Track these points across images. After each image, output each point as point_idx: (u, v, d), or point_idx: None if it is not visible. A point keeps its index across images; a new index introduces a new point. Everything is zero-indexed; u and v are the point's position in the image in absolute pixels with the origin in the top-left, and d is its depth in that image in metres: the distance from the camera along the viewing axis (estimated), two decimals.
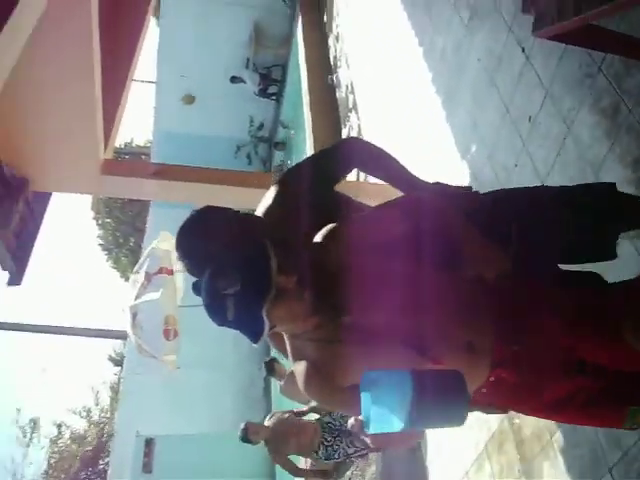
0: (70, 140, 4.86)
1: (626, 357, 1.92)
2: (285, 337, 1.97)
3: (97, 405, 26.37)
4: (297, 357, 1.95)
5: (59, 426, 25.90)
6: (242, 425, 5.75)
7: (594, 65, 3.35)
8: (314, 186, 2.19)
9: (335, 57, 9.91)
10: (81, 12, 3.94)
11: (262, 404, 12.28)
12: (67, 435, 25.96)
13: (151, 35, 14.10)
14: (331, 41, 10.30)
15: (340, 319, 1.85)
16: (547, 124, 3.79)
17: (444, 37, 5.47)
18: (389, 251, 1.92)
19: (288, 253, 1.81)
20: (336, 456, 5.67)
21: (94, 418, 26.08)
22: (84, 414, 25.89)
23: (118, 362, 25.25)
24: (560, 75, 3.69)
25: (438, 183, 2.27)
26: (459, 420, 1.53)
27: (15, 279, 4.81)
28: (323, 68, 10.09)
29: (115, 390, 24.12)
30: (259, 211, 2.25)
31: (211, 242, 2.07)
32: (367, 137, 7.59)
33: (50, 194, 5.25)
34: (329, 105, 9.46)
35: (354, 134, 8.21)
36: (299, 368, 1.94)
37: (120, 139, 23.12)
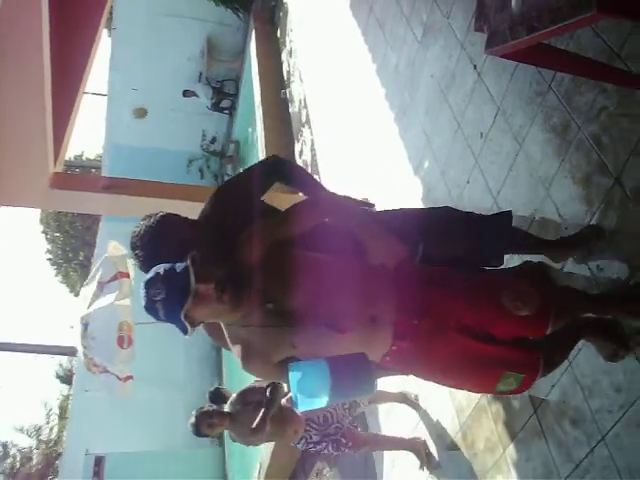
0: (19, 153, 4.78)
1: (505, 323, 2.33)
2: (222, 326, 2.32)
3: (47, 423, 25.81)
4: (234, 341, 2.30)
5: (4, 445, 25.28)
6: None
7: (544, 83, 3.40)
8: (245, 196, 2.63)
9: (288, 72, 9.92)
10: (32, 24, 3.88)
11: None
12: (14, 454, 25.35)
13: (103, 47, 13.98)
14: (284, 56, 10.31)
15: (265, 306, 2.21)
16: (499, 140, 3.84)
17: (398, 53, 5.51)
18: (303, 244, 2.33)
19: (210, 261, 2.20)
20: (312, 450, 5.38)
21: (43, 437, 25.51)
22: (32, 433, 25.30)
23: (66, 379, 24.80)
24: (511, 92, 3.74)
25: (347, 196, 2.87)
26: (369, 391, 2.07)
27: None
28: (276, 82, 10.09)
29: (64, 408, 23.66)
30: (201, 214, 2.70)
31: (162, 245, 2.46)
32: (320, 152, 7.61)
33: None
34: (282, 119, 9.46)
35: (307, 149, 8.22)
36: (236, 350, 2.30)
37: (70, 152, 22.82)
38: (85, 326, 6.99)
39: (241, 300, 2.18)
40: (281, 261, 2.26)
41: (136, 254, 2.52)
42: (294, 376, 2.03)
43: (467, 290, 2.39)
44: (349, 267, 2.36)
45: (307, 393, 2.01)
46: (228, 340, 2.33)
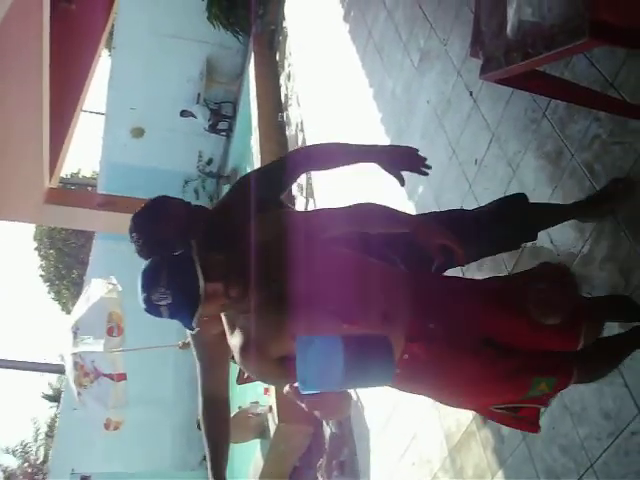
0: (15, 167, 4.77)
1: (530, 331, 2.15)
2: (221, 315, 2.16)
3: (33, 441, 25.55)
4: (232, 329, 2.12)
5: None
6: None
7: (539, 110, 3.44)
8: (263, 192, 2.43)
9: (286, 95, 9.97)
10: (32, 41, 3.91)
11: (202, 444, 12.03)
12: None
13: (103, 66, 14.06)
14: (282, 79, 10.38)
15: (270, 291, 2.02)
16: (493, 167, 3.87)
17: (394, 78, 5.56)
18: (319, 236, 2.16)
19: (212, 248, 2.01)
20: None
21: (29, 455, 25.26)
22: (19, 452, 25.05)
23: (54, 398, 24.61)
24: (506, 119, 3.77)
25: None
26: (386, 378, 1.71)
27: None
28: (274, 106, 10.14)
29: (51, 426, 23.47)
30: (215, 206, 2.65)
31: (163, 225, 2.35)
32: (315, 175, 7.63)
33: None
34: (278, 142, 9.49)
35: None
36: (235, 340, 2.10)
37: (67, 169, 22.85)
38: (75, 333, 6.94)
39: (248, 289, 2.00)
40: (289, 239, 2.09)
41: (133, 237, 2.38)
42: (301, 351, 1.72)
43: (488, 296, 2.24)
44: (365, 258, 2.21)
45: (316, 372, 1.69)
46: (226, 329, 2.16)
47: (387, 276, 2.20)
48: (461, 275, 2.84)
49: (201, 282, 1.90)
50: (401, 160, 2.57)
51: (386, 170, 2.60)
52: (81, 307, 7.01)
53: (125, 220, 5.37)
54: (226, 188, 14.08)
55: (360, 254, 2.21)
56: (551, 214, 2.99)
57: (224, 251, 2.04)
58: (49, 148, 4.79)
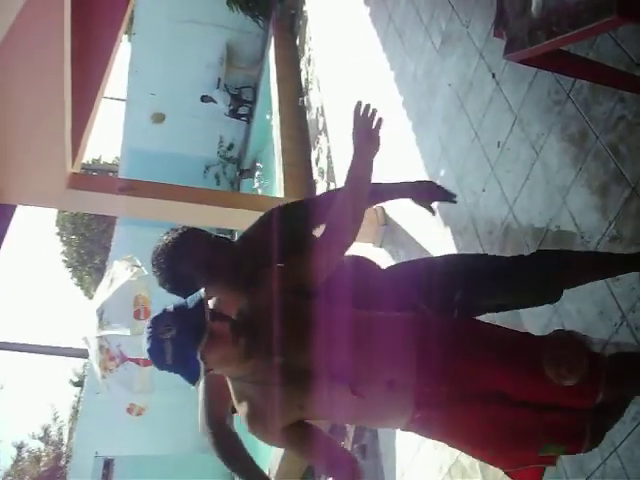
0: (37, 152, 4.80)
1: (544, 393, 2.07)
2: (227, 380, 2.13)
3: (56, 425, 25.87)
4: (239, 399, 2.11)
5: (19, 447, 25.35)
6: None
7: (563, 92, 3.39)
8: (286, 232, 2.37)
9: (306, 80, 9.95)
10: (54, 26, 3.91)
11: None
12: (25, 456, 25.44)
13: (123, 52, 14.07)
14: (303, 64, 10.35)
15: (274, 360, 2.01)
16: (516, 149, 3.83)
17: (416, 62, 5.52)
18: (325, 294, 2.12)
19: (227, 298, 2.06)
20: None
21: (52, 438, 25.59)
22: (42, 434, 25.38)
23: (79, 384, 24.85)
24: (529, 101, 3.73)
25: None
26: None
27: None
28: (294, 90, 10.13)
29: (75, 409, 23.72)
30: (243, 235, 2.51)
31: (183, 262, 2.25)
32: (336, 159, 7.61)
33: (14, 207, 5.17)
34: (299, 127, 9.48)
35: (323, 156, 8.23)
36: (242, 410, 2.10)
37: (88, 156, 22.96)
38: (100, 316, 6.93)
39: (255, 347, 2.00)
40: (299, 312, 2.08)
41: (154, 272, 2.35)
42: None
43: (500, 353, 2.12)
44: (371, 323, 2.14)
45: None
46: (234, 397, 2.14)
47: (394, 339, 2.11)
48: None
49: (207, 315, 1.91)
50: (426, 194, 2.72)
51: (416, 203, 2.73)
52: (105, 290, 7.03)
53: (147, 205, 5.44)
54: (247, 183, 14.10)
55: (366, 313, 2.16)
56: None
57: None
58: (71, 134, 4.81)
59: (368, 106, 2.26)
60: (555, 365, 2.00)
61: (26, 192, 5.07)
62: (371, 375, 2.04)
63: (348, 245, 2.18)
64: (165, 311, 1.96)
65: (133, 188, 5.26)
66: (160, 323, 1.92)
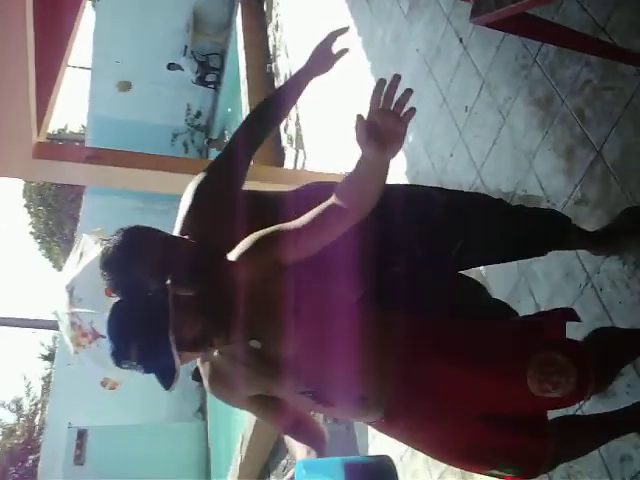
0: (2, 123, 4.73)
1: (521, 402, 1.97)
2: None
3: (29, 398, 25.77)
4: (203, 359, 2.02)
5: None
6: None
7: (529, 56, 3.42)
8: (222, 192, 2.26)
9: (274, 46, 9.86)
10: None
11: (196, 395, 12.21)
12: None
13: (87, 19, 13.84)
14: (270, 30, 10.25)
15: (248, 342, 1.87)
16: (483, 114, 3.85)
17: (384, 27, 5.49)
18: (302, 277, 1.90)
19: (194, 305, 1.80)
20: None
21: (24, 411, 25.49)
22: (14, 407, 25.28)
23: (48, 357, 24.74)
24: (497, 66, 3.74)
25: None
26: None
27: None
28: (262, 57, 10.03)
29: (47, 382, 23.63)
30: (179, 218, 2.28)
31: (135, 267, 2.06)
32: (304, 126, 7.59)
33: None
34: (267, 94, 9.40)
35: (292, 123, 8.19)
36: (204, 369, 2.04)
37: (54, 126, 22.64)
38: (71, 292, 6.89)
39: (229, 339, 1.84)
40: (279, 294, 1.87)
41: (104, 275, 2.14)
42: (300, 474, 1.72)
43: (479, 359, 1.97)
44: (349, 329, 1.91)
45: None
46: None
47: (367, 349, 1.92)
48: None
49: (177, 361, 1.71)
50: (325, 60, 2.56)
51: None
52: (75, 265, 6.97)
53: (114, 173, 5.38)
54: (215, 152, 13.98)
55: (348, 317, 1.94)
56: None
57: (203, 298, 1.84)
58: (35, 103, 4.73)
59: (393, 88, 1.71)
60: (539, 378, 1.89)
61: None
62: (343, 391, 1.95)
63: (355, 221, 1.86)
64: (127, 338, 1.76)
65: (100, 157, 5.20)
66: (122, 357, 1.76)
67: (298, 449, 2.07)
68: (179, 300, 1.77)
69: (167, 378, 1.74)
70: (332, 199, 1.84)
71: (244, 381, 1.97)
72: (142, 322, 1.77)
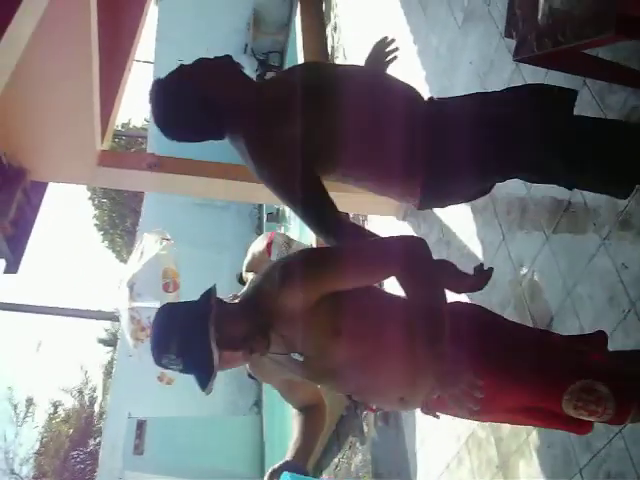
0: (68, 131, 4.93)
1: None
2: None
3: (87, 385, 26.46)
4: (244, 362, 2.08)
5: (55, 405, 25.98)
6: None
7: (579, 78, 3.44)
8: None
9: (332, 47, 9.94)
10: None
11: (252, 390, 12.43)
12: (61, 414, 26.08)
13: (150, 18, 14.09)
14: (329, 30, 10.32)
15: (291, 354, 1.96)
16: None
17: (439, 37, 5.54)
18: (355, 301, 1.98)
19: (237, 321, 1.87)
20: None
21: (85, 398, 26.18)
22: (75, 394, 25.98)
23: (109, 343, 25.31)
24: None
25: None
26: None
27: (12, 267, 4.88)
28: (320, 56, 10.10)
29: (108, 371, 24.21)
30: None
31: (214, 82, 2.02)
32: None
33: (47, 184, 5.32)
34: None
35: None
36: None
37: (117, 120, 23.03)
38: (131, 288, 7.11)
39: (269, 347, 1.91)
40: (320, 320, 1.92)
41: (151, 108, 2.00)
42: None
43: (524, 373, 2.04)
44: (391, 342, 2.00)
45: None
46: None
47: (408, 358, 1.98)
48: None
49: (215, 355, 1.78)
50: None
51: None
52: (136, 262, 7.21)
53: (175, 180, 5.55)
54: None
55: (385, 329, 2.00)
56: None
57: (246, 310, 1.93)
58: (100, 110, 4.90)
59: None
60: (574, 407, 1.98)
61: (58, 170, 5.22)
62: (383, 394, 2.13)
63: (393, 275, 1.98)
64: (169, 334, 1.85)
65: (160, 165, 5.38)
66: (163, 352, 1.84)
67: (293, 440, 2.34)
68: (223, 303, 1.91)
69: (204, 376, 1.81)
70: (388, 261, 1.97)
71: (281, 370, 2.09)
72: (184, 317, 1.86)
